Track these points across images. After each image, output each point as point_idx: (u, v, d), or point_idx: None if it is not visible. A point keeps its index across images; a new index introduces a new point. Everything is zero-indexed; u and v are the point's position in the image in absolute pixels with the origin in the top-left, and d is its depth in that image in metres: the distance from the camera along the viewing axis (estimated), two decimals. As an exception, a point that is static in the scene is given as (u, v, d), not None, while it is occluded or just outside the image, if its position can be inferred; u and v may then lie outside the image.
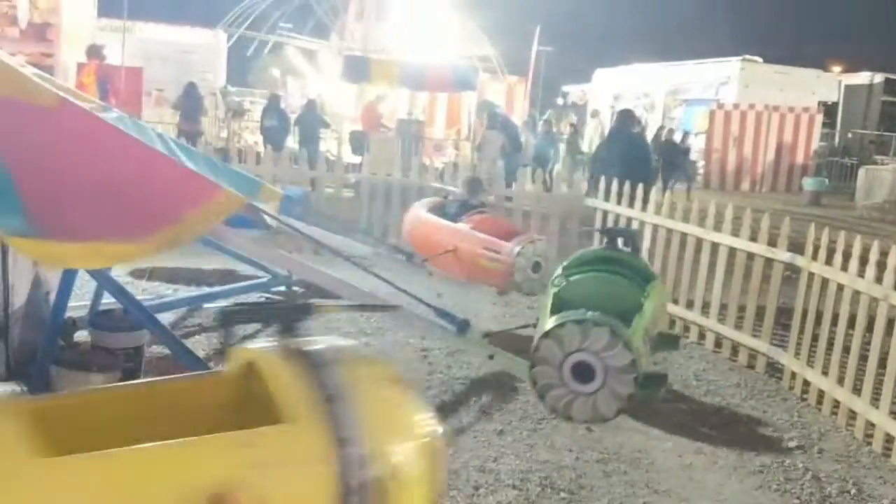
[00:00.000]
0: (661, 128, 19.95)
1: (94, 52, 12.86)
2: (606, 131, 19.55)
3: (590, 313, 3.75)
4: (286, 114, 15.51)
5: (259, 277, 6.45)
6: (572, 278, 4.35)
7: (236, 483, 1.71)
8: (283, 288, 6.74)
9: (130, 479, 1.66)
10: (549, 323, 3.82)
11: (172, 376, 2.22)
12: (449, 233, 6.60)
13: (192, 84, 14.75)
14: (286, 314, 3.55)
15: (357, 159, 13.76)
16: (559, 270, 4.55)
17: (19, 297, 4.01)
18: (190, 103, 14.38)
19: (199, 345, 5.33)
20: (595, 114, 22.73)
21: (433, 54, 18.35)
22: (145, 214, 3.28)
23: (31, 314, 4.18)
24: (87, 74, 12.85)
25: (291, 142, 14.70)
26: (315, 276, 4.04)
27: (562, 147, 17.20)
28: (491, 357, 4.18)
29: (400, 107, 18.44)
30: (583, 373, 3.69)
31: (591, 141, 19.46)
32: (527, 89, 21.50)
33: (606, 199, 8.07)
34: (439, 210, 7.02)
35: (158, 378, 2.20)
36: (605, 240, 4.79)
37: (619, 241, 4.77)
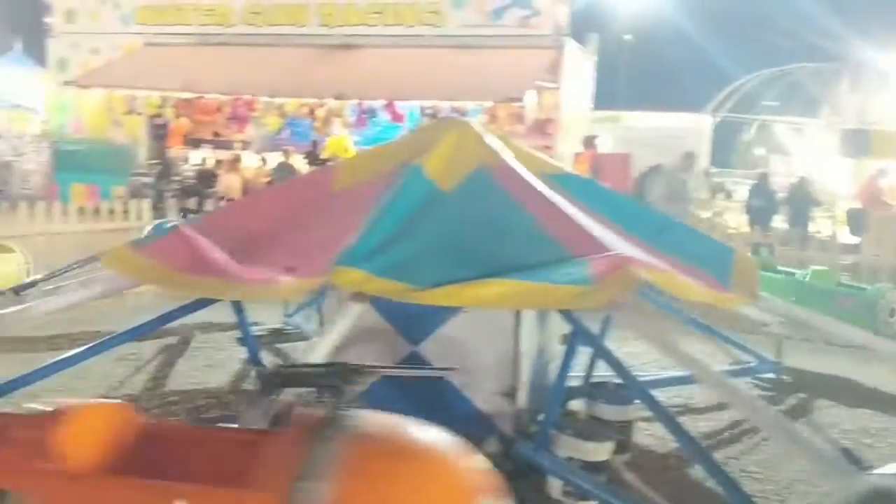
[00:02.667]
0: None
1: (589, 142, 13.93)
2: None
3: None
4: (773, 193, 14.91)
5: (747, 362, 6.23)
6: None
7: None
8: (772, 375, 6.38)
9: None
10: None
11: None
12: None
13: (659, 166, 15.03)
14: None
15: (855, 240, 12.59)
16: None
17: (526, 365, 4.41)
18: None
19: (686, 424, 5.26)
20: None
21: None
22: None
23: (535, 381, 4.56)
24: (581, 163, 13.94)
25: (779, 221, 14.05)
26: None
27: None
28: None
29: (906, 181, 16.48)
30: None
31: None
32: None
33: None
34: None
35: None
36: None
37: None
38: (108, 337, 4.25)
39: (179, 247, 3.94)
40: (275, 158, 15.81)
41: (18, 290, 5.07)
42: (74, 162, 18.37)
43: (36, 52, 23.85)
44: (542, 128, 15.88)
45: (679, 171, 12.14)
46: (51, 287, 5.15)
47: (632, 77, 25.48)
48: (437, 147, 4.39)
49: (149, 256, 3.92)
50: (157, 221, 8.02)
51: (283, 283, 3.51)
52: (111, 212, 9.54)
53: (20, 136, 25.28)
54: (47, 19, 18.90)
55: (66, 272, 5.27)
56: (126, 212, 9.58)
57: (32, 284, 5.23)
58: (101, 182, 16.81)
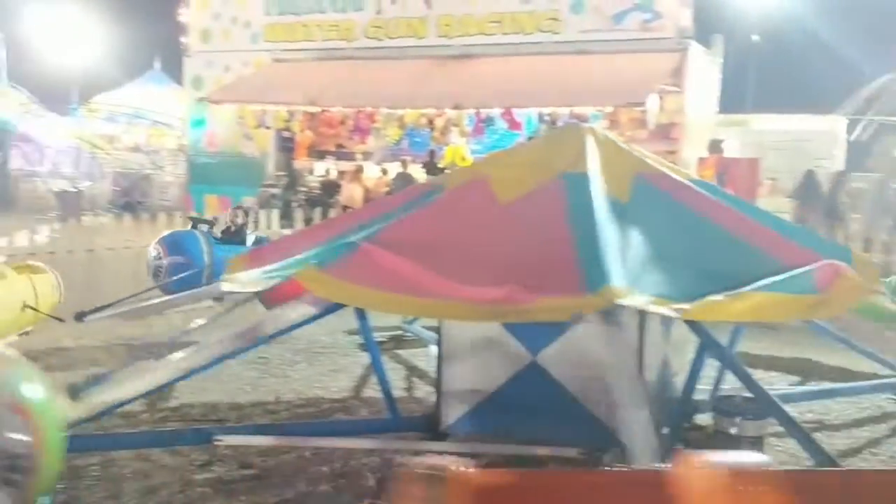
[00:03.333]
0: None
1: (715, 146, 13.50)
2: None
3: None
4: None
5: (888, 377, 5.85)
6: None
7: None
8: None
9: None
10: None
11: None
12: None
13: (811, 172, 14.39)
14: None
15: None
16: None
17: (650, 376, 4.31)
18: (808, 192, 14.04)
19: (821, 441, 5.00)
20: None
21: None
22: None
23: (659, 393, 4.44)
24: (706, 168, 13.51)
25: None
26: None
27: None
28: None
29: None
30: None
31: None
32: None
33: None
34: None
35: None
36: None
37: None
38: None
39: (376, 267, 3.77)
40: (395, 168, 16.12)
41: (81, 316, 4.98)
42: (208, 174, 19.35)
43: (173, 70, 25.27)
44: (666, 132, 15.52)
45: (890, 180, 11.67)
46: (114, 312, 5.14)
47: (760, 79, 24.53)
48: (588, 155, 4.36)
49: (342, 278, 3.75)
50: (164, 234, 7.78)
51: (543, 303, 3.39)
52: (242, 222, 9.95)
53: (158, 151, 26.89)
54: (183, 39, 19.95)
55: (124, 300, 5.21)
56: (256, 222, 9.99)
57: (99, 309, 5.14)
58: (233, 193, 17.61)
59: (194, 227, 7.69)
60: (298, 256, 4.21)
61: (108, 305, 5.13)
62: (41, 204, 19.64)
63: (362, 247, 3.92)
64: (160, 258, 7.08)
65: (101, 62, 34.83)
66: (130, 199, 20.17)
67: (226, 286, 4.58)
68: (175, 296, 4.82)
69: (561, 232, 3.80)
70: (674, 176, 4.35)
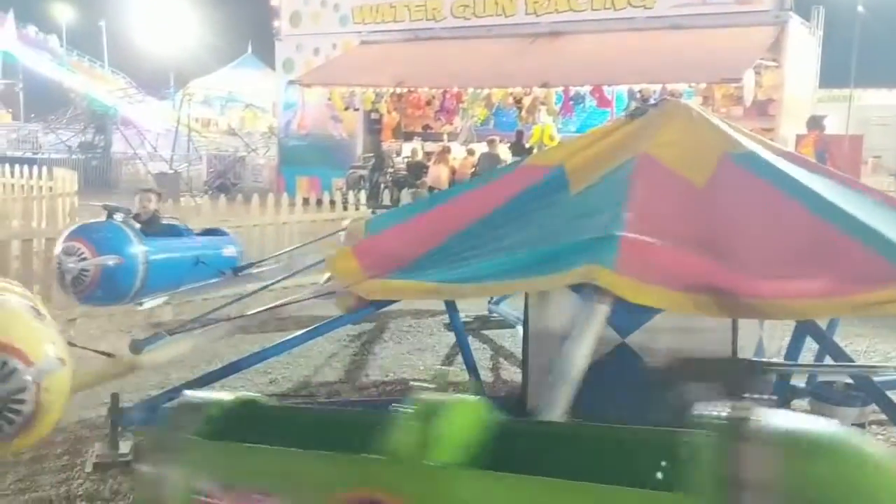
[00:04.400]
0: None
1: (815, 123, 12.94)
2: None
3: None
4: None
5: None
6: None
7: None
8: None
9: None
10: None
11: None
12: None
13: (918, 148, 13.66)
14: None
15: None
16: None
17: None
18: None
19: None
20: None
21: None
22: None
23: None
24: (805, 146, 12.97)
25: None
26: None
27: None
28: None
29: None
30: None
31: None
32: None
33: None
34: None
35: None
36: None
37: None
38: (328, 320, 4.50)
39: (657, 262, 3.49)
40: (480, 149, 16.08)
41: (139, 348, 4.07)
42: (298, 156, 19.74)
43: (266, 54, 25.86)
44: (763, 109, 15.01)
45: None
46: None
47: (864, 52, 23.33)
48: (733, 133, 4.25)
49: (643, 280, 3.40)
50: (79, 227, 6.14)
51: (885, 294, 3.15)
52: (332, 202, 10.10)
53: (251, 133, 27.59)
54: (275, 23, 20.34)
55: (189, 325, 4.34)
56: (345, 202, 10.12)
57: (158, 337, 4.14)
58: (322, 175, 17.94)
59: (110, 216, 5.98)
60: (474, 259, 3.85)
61: (173, 331, 4.27)
62: (141, 186, 20.44)
63: (625, 238, 3.55)
64: (83, 257, 5.45)
65: (196, 48, 35.96)
66: (224, 181, 20.77)
67: (371, 294, 3.94)
68: (258, 309, 4.23)
69: (803, 215, 3.64)
70: (787, 150, 4.20)
